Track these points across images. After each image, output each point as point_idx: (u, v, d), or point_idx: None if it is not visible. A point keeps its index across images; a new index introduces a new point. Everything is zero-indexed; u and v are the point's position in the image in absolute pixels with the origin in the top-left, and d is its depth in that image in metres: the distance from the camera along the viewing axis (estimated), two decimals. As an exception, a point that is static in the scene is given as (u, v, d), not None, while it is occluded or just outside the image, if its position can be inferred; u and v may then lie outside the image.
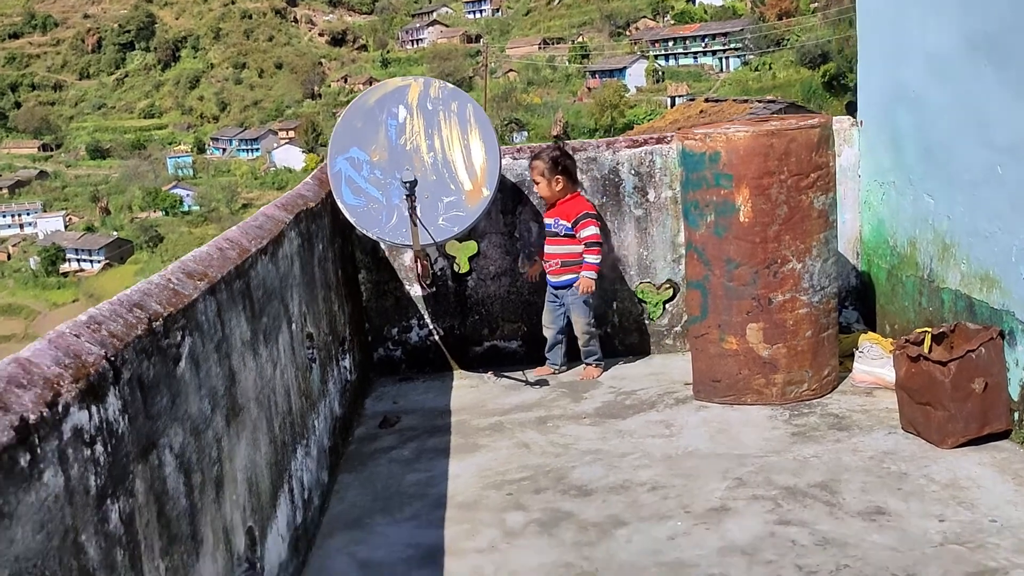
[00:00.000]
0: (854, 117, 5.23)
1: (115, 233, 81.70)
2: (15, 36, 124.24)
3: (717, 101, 46.06)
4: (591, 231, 4.87)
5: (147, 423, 1.93)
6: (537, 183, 4.94)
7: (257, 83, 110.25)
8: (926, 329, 4.05)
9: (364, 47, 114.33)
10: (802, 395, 4.40)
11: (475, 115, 4.66)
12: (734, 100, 45.00)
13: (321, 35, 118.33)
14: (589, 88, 79.66)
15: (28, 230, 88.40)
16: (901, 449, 3.79)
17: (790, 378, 4.37)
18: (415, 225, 4.44)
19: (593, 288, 4.89)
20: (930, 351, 3.88)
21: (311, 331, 3.79)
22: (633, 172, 5.16)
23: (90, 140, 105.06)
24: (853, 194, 5.18)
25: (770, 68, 73.16)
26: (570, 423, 4.38)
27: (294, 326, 3.47)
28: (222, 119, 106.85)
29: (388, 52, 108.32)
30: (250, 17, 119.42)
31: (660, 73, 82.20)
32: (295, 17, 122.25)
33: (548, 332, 5.08)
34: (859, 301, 5.24)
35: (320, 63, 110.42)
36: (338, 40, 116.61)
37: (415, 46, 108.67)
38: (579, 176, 5.14)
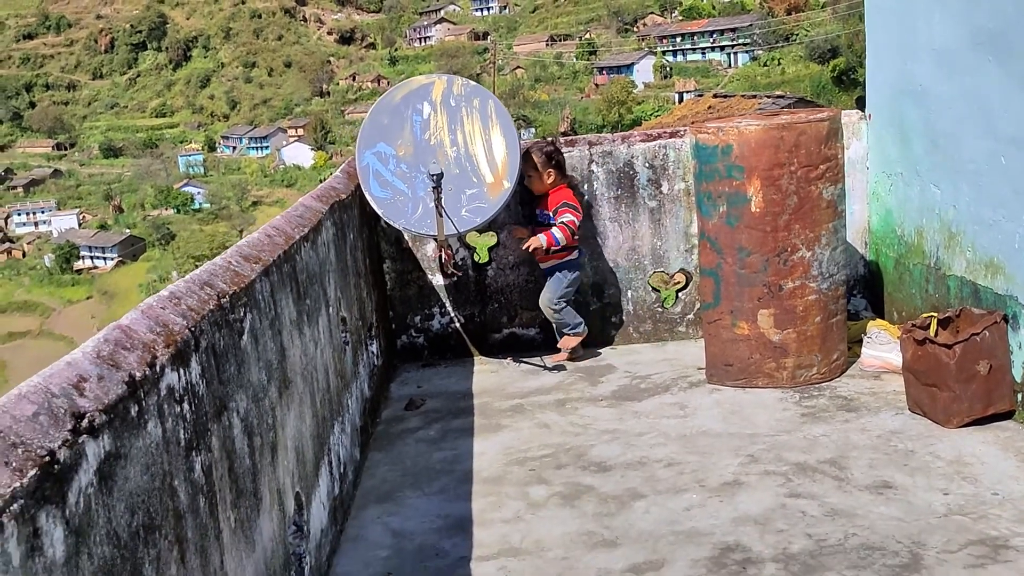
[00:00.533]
0: (863, 111, 5.40)
1: (128, 231, 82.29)
2: (29, 37, 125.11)
3: (725, 97, 46.10)
4: (568, 217, 5.04)
5: (220, 387, 2.14)
6: (530, 176, 5.08)
7: (267, 82, 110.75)
8: (932, 314, 4.23)
9: (372, 45, 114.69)
10: (812, 379, 4.59)
11: (496, 111, 4.86)
12: (742, 96, 45.10)
13: (330, 34, 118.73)
14: (596, 84, 79.73)
15: (43, 228, 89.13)
16: (908, 428, 3.98)
17: (800, 362, 4.56)
18: (440, 216, 4.64)
19: (536, 246, 4.97)
20: (936, 335, 4.07)
21: (344, 315, 3.99)
22: (647, 165, 5.35)
23: (103, 139, 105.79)
24: (862, 185, 5.36)
25: (779, 63, 73.04)
26: (588, 405, 4.58)
27: (331, 309, 3.68)
28: (232, 117, 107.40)
29: (396, 50, 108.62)
30: (260, 16, 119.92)
31: (668, 69, 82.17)
32: (304, 16, 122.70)
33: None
34: (867, 289, 5.42)
35: (329, 61, 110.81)
36: (346, 38, 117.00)
37: (423, 44, 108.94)
38: (594, 168, 5.34)
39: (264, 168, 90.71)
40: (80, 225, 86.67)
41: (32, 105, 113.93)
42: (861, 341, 4.86)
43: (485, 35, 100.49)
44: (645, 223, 5.40)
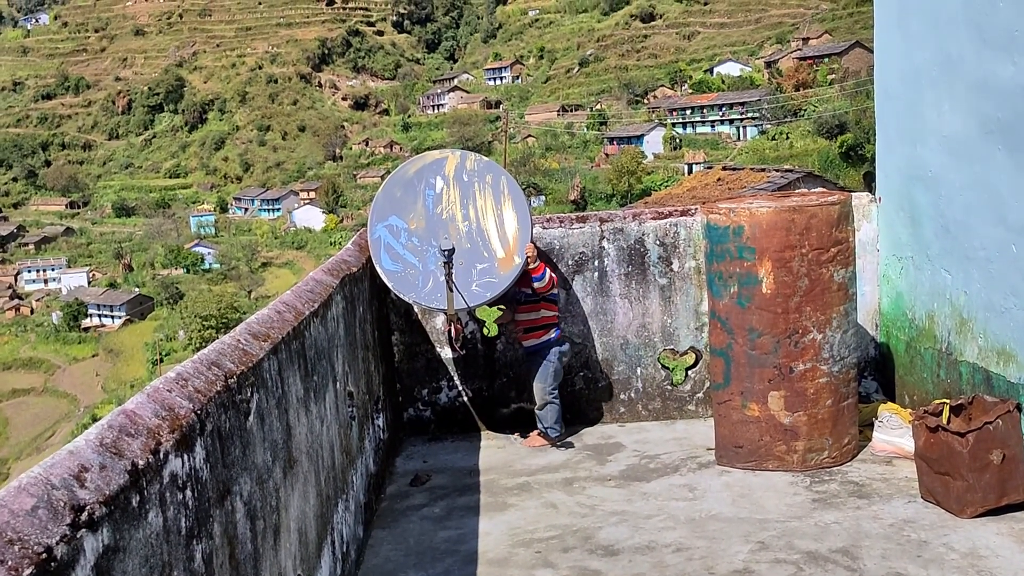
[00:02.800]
0: (872, 187, 5.43)
1: (137, 289, 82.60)
2: (48, 97, 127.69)
3: (735, 169, 46.54)
4: (551, 274, 4.99)
5: (224, 471, 2.10)
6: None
7: (280, 145, 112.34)
8: (944, 401, 4.18)
9: (386, 111, 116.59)
10: (822, 462, 4.51)
11: (508, 186, 4.90)
12: (751, 169, 45.51)
13: (344, 99, 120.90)
14: (607, 154, 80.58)
15: (52, 285, 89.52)
16: (921, 518, 3.90)
17: (811, 445, 4.49)
18: (451, 291, 4.64)
19: (530, 255, 4.85)
20: (948, 422, 4.01)
21: (352, 389, 3.96)
22: (658, 243, 5.36)
23: (116, 198, 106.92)
24: (872, 267, 5.36)
25: (787, 137, 73.75)
26: (596, 485, 4.50)
27: (338, 384, 3.65)
28: (245, 179, 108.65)
29: (409, 116, 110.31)
30: (276, 81, 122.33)
31: (677, 140, 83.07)
32: (319, 82, 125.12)
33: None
34: (878, 372, 5.38)
35: (342, 126, 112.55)
36: (360, 104, 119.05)
37: (436, 111, 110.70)
38: (605, 245, 5.36)
39: (275, 230, 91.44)
40: (89, 283, 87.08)
41: (47, 164, 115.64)
42: (872, 425, 4.80)
43: (497, 103, 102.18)
44: (655, 300, 5.39)
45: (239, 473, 2.22)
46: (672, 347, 5.45)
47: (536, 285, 4.94)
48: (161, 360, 62.62)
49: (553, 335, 5.15)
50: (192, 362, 2.20)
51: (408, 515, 4.28)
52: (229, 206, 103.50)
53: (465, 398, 5.45)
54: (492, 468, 4.82)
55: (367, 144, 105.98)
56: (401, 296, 4.82)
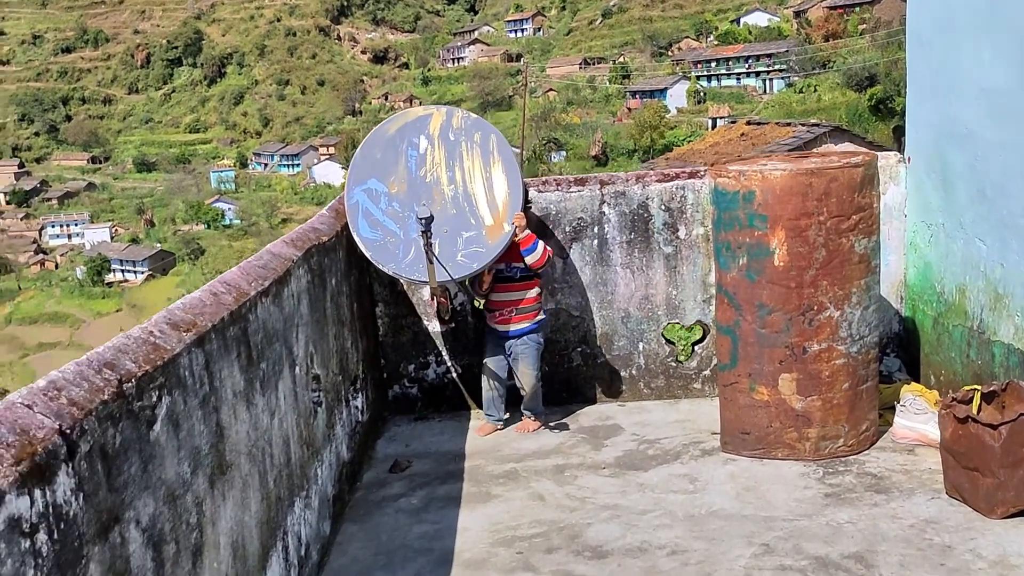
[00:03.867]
0: (901, 142, 4.97)
1: (158, 245, 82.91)
2: (67, 51, 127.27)
3: (759, 124, 45.42)
4: (546, 245, 4.58)
5: (110, 497, 1.76)
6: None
7: (299, 100, 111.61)
8: (975, 387, 3.77)
9: (406, 65, 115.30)
10: (837, 451, 4.13)
11: (498, 146, 4.49)
12: (776, 123, 44.38)
13: (363, 53, 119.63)
14: (629, 108, 79.21)
15: (76, 240, 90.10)
16: (945, 518, 3.52)
17: (825, 433, 4.11)
18: (431, 263, 4.26)
19: (520, 224, 4.42)
20: (979, 412, 3.61)
21: (318, 372, 3.62)
22: (663, 208, 4.95)
23: (137, 154, 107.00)
24: (898, 234, 4.92)
25: (815, 90, 72.08)
26: (588, 473, 4.15)
27: (298, 369, 3.30)
28: (264, 134, 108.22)
29: (429, 70, 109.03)
30: (294, 35, 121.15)
31: (702, 94, 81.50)
32: (338, 35, 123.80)
33: (492, 386, 4.75)
34: (901, 348, 4.97)
35: (362, 80, 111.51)
36: (380, 58, 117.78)
37: (456, 64, 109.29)
38: (606, 210, 4.95)
39: (294, 186, 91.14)
40: (112, 238, 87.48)
41: (68, 118, 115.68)
42: (893, 408, 4.41)
43: (518, 57, 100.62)
44: (660, 270, 4.99)
45: (136, 494, 1.88)
46: (677, 321, 5.06)
47: (528, 260, 4.54)
48: (183, 315, 62.84)
49: (543, 315, 4.77)
50: (77, 364, 1.85)
51: (383, 507, 3.95)
52: (249, 161, 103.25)
53: (454, 374, 5.10)
54: (479, 452, 4.49)
55: (387, 99, 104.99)
56: (380, 267, 4.44)
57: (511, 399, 4.85)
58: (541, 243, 4.55)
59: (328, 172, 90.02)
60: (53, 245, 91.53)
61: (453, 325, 5.03)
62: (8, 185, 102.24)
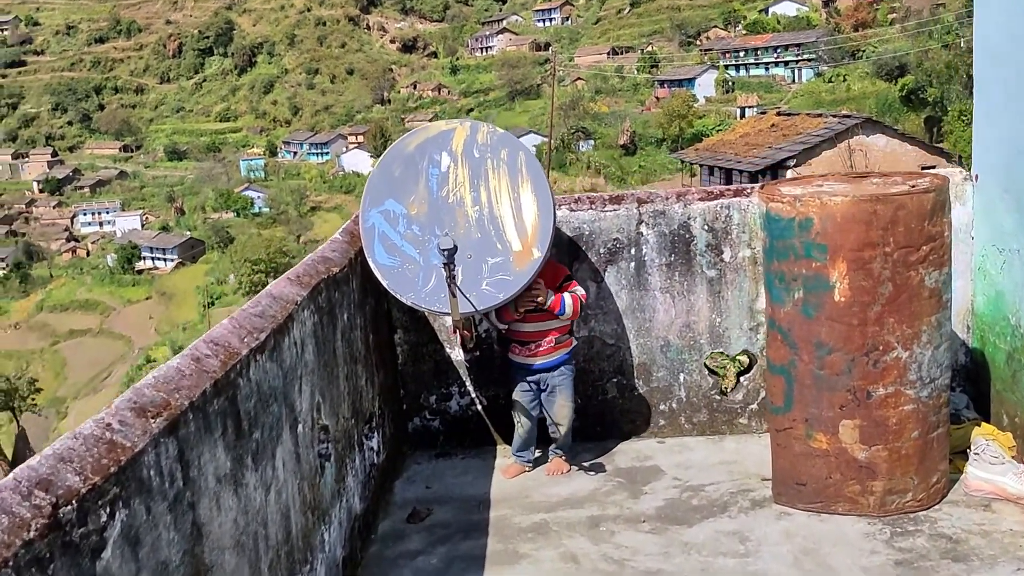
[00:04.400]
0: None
1: (188, 233, 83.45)
2: (101, 41, 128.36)
3: (789, 115, 44.56)
4: (580, 289, 4.29)
5: (35, 663, 1.40)
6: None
7: (329, 88, 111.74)
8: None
9: (434, 54, 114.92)
10: (905, 506, 3.71)
11: (527, 165, 4.09)
12: (807, 114, 43.49)
13: (392, 42, 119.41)
14: (657, 98, 78.43)
15: (107, 228, 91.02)
16: (1034, 596, 3.09)
17: (891, 486, 3.69)
18: (454, 296, 3.88)
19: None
20: (1072, 474, 3.17)
21: (326, 423, 3.26)
22: (707, 228, 4.53)
23: (168, 142, 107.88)
24: (965, 259, 4.47)
25: (844, 80, 70.92)
26: (626, 528, 3.76)
27: (301, 427, 2.94)
28: (294, 123, 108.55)
29: (458, 59, 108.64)
30: (324, 24, 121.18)
31: (730, 83, 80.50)
32: (368, 24, 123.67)
33: (524, 425, 4.37)
34: (969, 383, 4.52)
35: (390, 69, 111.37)
36: (409, 47, 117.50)
37: (484, 53, 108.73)
38: (644, 231, 4.54)
39: (323, 174, 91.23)
40: (143, 226, 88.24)
41: (101, 108, 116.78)
42: (964, 452, 3.97)
43: (547, 46, 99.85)
44: (702, 295, 4.57)
45: (78, 645, 1.52)
46: (721, 350, 4.65)
47: (565, 318, 4.21)
48: (212, 304, 63.22)
49: (575, 341, 4.40)
50: (4, 484, 1.49)
51: (399, 566, 3.58)
52: (278, 150, 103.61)
53: (479, 406, 4.72)
54: (505, 499, 4.11)
55: (415, 87, 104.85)
56: (397, 297, 4.07)
57: (539, 434, 4.47)
58: (568, 297, 4.20)
59: (357, 160, 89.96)
60: (85, 233, 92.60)
61: (478, 353, 4.65)
62: (41, 173, 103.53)
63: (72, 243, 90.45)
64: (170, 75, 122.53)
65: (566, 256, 4.57)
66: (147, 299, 74.70)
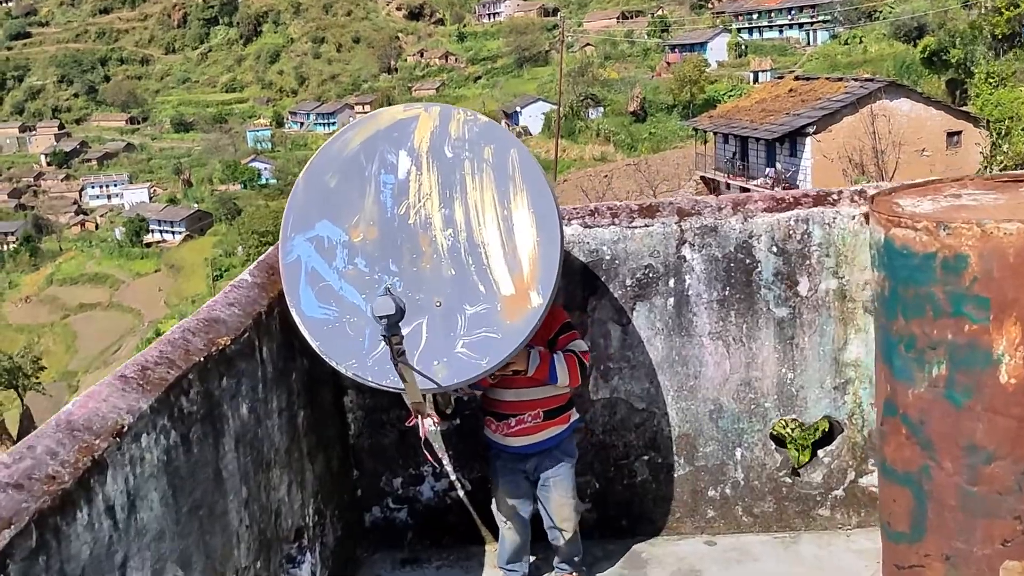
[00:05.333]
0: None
1: (195, 205, 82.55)
2: (105, 11, 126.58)
3: (808, 79, 42.74)
4: (581, 345, 3.05)
5: None
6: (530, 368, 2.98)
7: (335, 57, 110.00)
8: None
9: (441, 21, 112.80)
10: None
11: (522, 166, 2.80)
12: (827, 78, 41.67)
13: (399, 9, 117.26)
14: (668, 63, 76.44)
15: (115, 201, 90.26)
16: None
17: (1075, 659, 2.44)
18: (405, 380, 2.62)
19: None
20: None
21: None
22: (775, 249, 3.24)
23: (174, 113, 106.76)
24: None
25: (860, 41, 68.90)
26: None
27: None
28: (300, 93, 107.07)
29: (465, 26, 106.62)
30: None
31: (743, 47, 78.46)
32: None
33: (511, 529, 3.15)
34: None
35: (397, 37, 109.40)
36: (415, 14, 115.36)
37: (492, 20, 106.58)
38: (687, 254, 3.26)
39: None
40: (151, 199, 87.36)
41: (107, 79, 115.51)
42: None
43: (555, 11, 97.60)
44: (768, 342, 3.29)
45: None
46: (794, 416, 3.38)
47: (561, 385, 2.94)
48: (220, 276, 62.28)
49: (576, 415, 3.15)
50: None
51: None
52: (285, 120, 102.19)
53: (461, 492, 3.47)
54: (494, 647, 2.88)
55: (422, 55, 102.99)
56: (334, 365, 2.79)
57: (535, 532, 3.22)
58: (560, 360, 2.95)
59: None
60: (93, 206, 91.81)
61: (457, 421, 3.41)
62: (49, 147, 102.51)
63: (81, 216, 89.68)
64: (175, 46, 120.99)
65: (579, 288, 3.30)
66: (156, 272, 74.02)
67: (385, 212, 2.80)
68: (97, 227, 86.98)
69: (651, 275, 3.27)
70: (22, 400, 49.40)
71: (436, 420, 2.90)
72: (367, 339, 2.72)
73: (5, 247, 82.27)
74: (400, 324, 2.53)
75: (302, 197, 2.84)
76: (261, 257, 3.00)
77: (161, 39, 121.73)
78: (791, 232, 3.23)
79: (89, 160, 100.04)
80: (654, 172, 35.80)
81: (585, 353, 3.02)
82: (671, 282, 3.27)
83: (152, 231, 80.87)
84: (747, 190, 37.08)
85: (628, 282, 3.28)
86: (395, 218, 2.79)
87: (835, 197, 3.23)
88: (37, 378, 50.54)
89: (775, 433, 3.42)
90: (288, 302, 2.74)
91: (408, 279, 2.74)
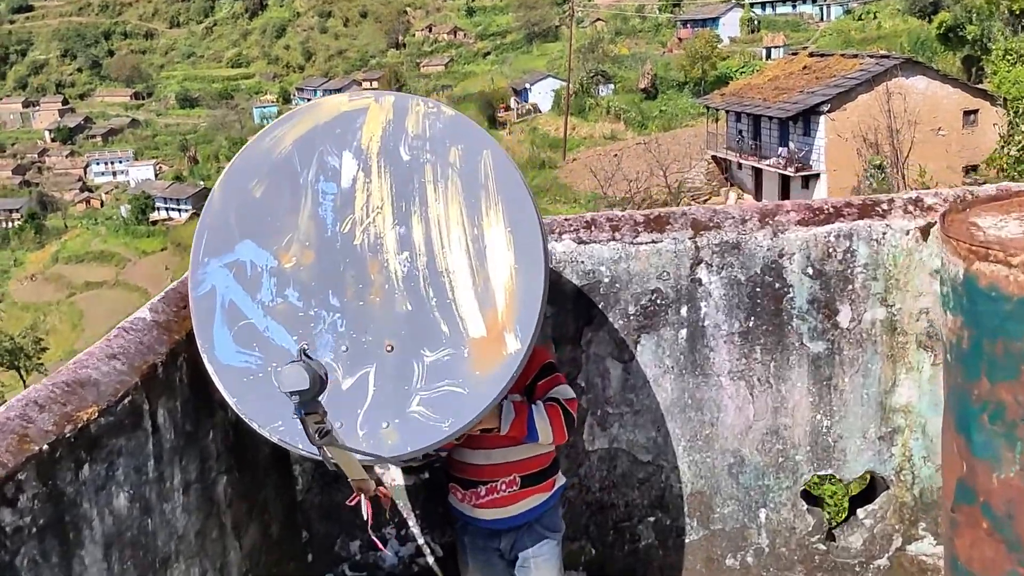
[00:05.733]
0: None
1: (202, 183, 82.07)
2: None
3: (822, 55, 41.79)
4: (567, 392, 2.45)
5: None
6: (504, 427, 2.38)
7: (342, 32, 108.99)
8: None
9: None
10: None
11: (497, 173, 2.21)
12: (841, 55, 40.71)
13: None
14: (680, 39, 75.40)
15: (120, 178, 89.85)
16: None
17: None
18: (337, 464, 2.05)
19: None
20: None
21: None
22: (810, 271, 2.65)
23: (179, 89, 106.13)
24: None
25: (875, 17, 67.93)
26: None
27: None
28: (307, 69, 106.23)
29: (473, 0, 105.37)
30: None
31: (756, 22, 77.44)
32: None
33: None
34: None
35: (405, 12, 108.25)
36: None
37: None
38: (703, 276, 2.68)
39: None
40: (156, 176, 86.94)
41: (111, 53, 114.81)
42: None
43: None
44: (800, 383, 2.71)
45: None
46: (831, 471, 2.80)
47: (544, 442, 2.35)
48: (226, 255, 61.95)
49: (562, 479, 2.57)
50: None
51: None
52: (292, 97, 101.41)
53: (430, 557, 2.91)
54: None
55: (430, 31, 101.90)
56: (256, 428, 2.22)
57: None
58: (540, 412, 2.36)
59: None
60: (98, 183, 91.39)
61: (427, 475, 2.84)
62: (52, 122, 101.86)
63: (86, 193, 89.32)
64: (179, 19, 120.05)
65: (571, 318, 2.71)
66: (162, 250, 73.76)
67: (324, 230, 2.22)
68: (103, 204, 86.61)
69: (659, 302, 2.68)
70: (24, 381, 49.28)
71: (386, 496, 2.32)
72: (298, 393, 2.14)
73: (10, 224, 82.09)
74: (319, 399, 1.95)
75: (218, 211, 2.27)
76: (171, 286, 2.42)
77: (165, 12, 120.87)
78: (830, 250, 2.63)
79: (94, 136, 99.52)
80: (664, 151, 35.05)
81: (572, 401, 2.43)
82: (683, 310, 2.68)
83: (158, 208, 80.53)
84: (759, 170, 36.31)
85: (631, 310, 2.70)
86: (337, 238, 2.21)
87: (885, 207, 2.63)
88: (39, 358, 50.33)
89: (807, 491, 2.84)
90: (199, 346, 2.17)
91: (352, 316, 2.17)
